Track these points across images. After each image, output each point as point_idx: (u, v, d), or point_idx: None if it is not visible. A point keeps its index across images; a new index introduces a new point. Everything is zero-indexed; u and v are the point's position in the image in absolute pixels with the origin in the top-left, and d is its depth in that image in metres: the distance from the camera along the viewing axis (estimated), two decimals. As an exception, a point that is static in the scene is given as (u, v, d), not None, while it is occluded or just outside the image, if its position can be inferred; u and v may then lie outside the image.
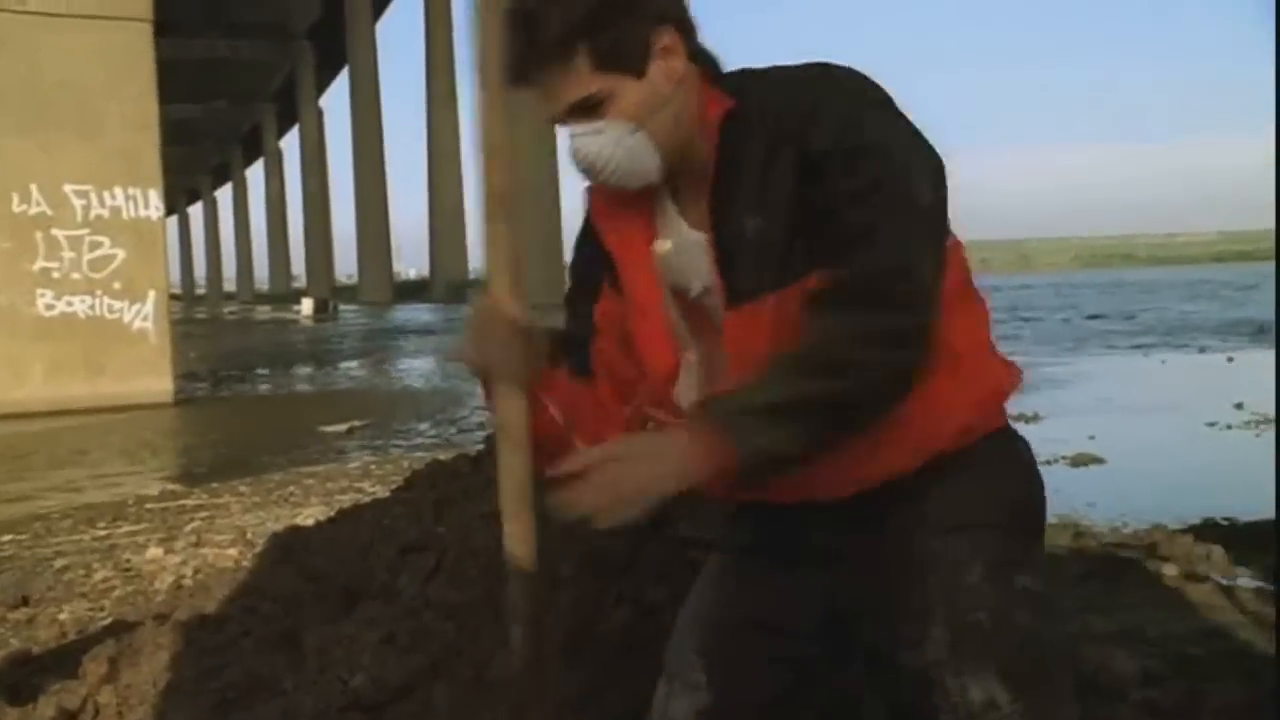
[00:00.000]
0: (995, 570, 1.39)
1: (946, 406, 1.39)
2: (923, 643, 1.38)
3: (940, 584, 1.39)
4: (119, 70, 11.21)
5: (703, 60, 1.40)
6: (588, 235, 1.54)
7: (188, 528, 5.27)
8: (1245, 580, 3.56)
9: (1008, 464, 1.47)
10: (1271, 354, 12.63)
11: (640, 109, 1.35)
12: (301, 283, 70.27)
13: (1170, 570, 3.61)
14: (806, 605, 1.49)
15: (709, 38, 1.41)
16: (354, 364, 16.86)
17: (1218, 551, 3.82)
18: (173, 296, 14.38)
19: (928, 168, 1.35)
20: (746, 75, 1.42)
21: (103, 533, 5.27)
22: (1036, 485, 1.50)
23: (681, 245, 1.44)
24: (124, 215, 11.22)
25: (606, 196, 1.48)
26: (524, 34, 1.33)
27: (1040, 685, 1.38)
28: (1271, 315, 19.62)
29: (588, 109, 1.34)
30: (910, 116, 1.38)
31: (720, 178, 1.37)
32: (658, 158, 1.37)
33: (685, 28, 1.38)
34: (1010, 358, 1.51)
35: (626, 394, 1.53)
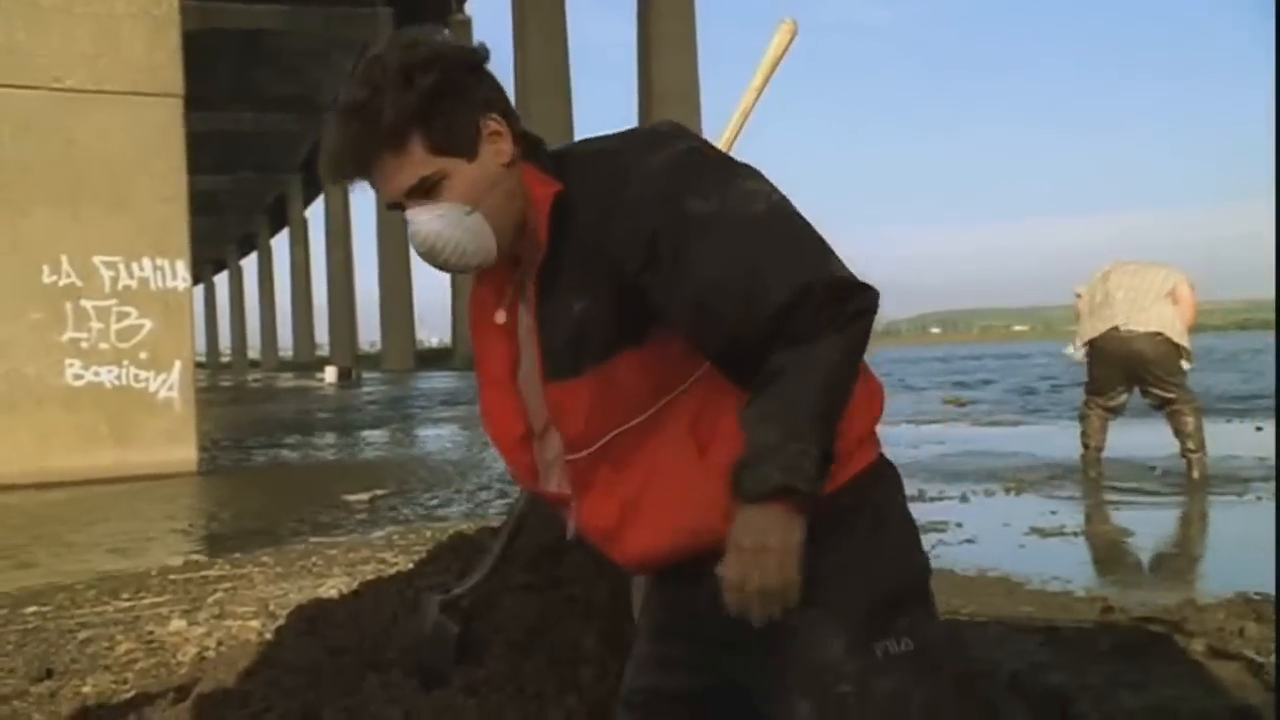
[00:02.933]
0: (856, 641, 1.42)
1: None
2: (791, 718, 1.43)
3: (802, 660, 1.43)
4: (150, 145, 11.42)
5: (528, 145, 1.50)
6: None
7: (211, 599, 5.26)
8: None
9: (863, 520, 1.48)
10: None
11: (475, 189, 1.42)
12: (325, 350, 70.71)
13: (1199, 646, 3.56)
14: (709, 680, 1.56)
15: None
16: (377, 432, 16.91)
17: (1251, 627, 3.76)
18: (198, 364, 14.49)
19: (752, 194, 1.39)
20: (567, 155, 1.50)
21: (127, 604, 5.27)
22: (904, 539, 1.52)
23: (523, 318, 1.54)
24: (152, 286, 11.35)
25: (473, 282, 1.59)
26: (358, 125, 1.39)
27: None
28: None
29: (425, 191, 1.42)
30: (712, 154, 1.44)
31: (549, 259, 1.44)
32: (493, 236, 1.44)
33: (509, 114, 1.47)
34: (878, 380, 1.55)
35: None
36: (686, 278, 1.36)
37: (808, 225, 1.39)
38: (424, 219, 1.42)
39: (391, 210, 1.46)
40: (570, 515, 1.57)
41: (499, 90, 1.48)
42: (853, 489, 1.47)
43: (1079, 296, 8.05)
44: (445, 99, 1.41)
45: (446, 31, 1.50)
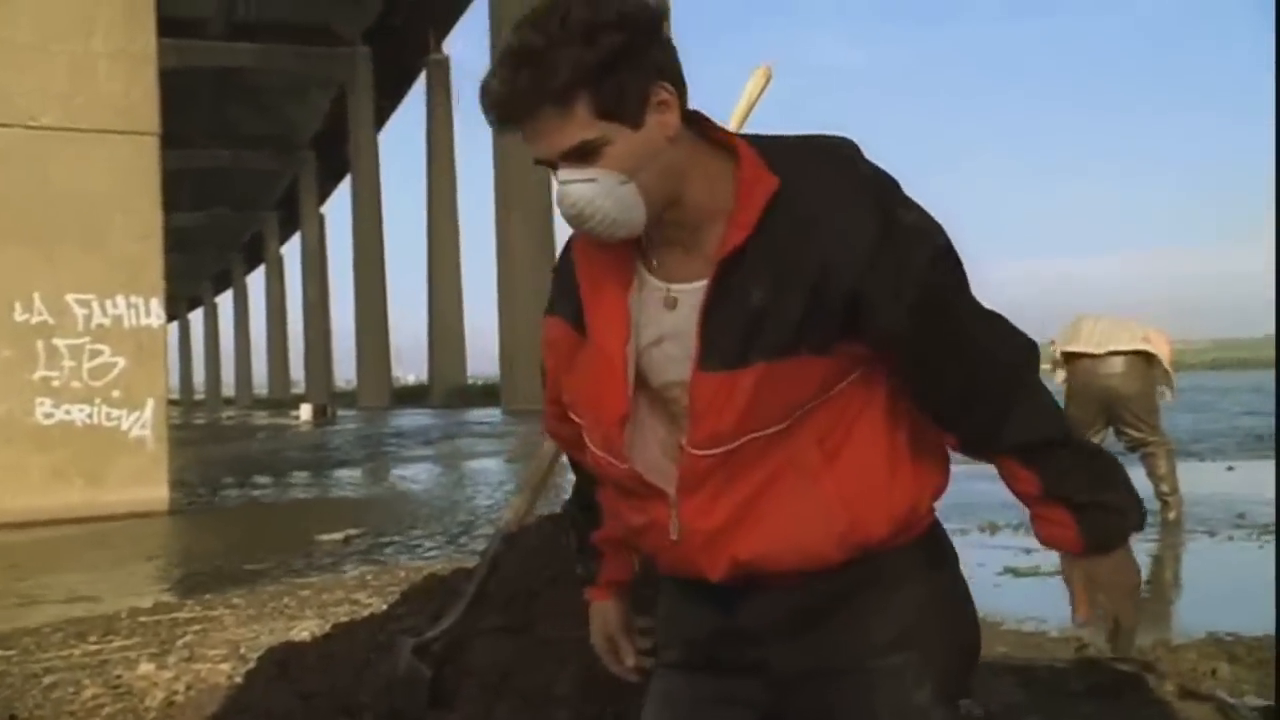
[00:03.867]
0: (943, 691, 1.46)
1: (882, 503, 1.45)
2: None
3: (888, 703, 1.44)
4: (126, 183, 11.40)
5: (693, 120, 1.44)
6: (566, 284, 1.55)
7: (180, 642, 5.20)
8: (1251, 699, 3.51)
9: (943, 575, 1.55)
10: (1272, 463, 12.62)
11: (634, 160, 1.36)
12: (301, 388, 70.40)
13: (1169, 687, 3.57)
14: (751, 716, 1.53)
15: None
16: (351, 471, 16.81)
17: (1223, 668, 3.78)
18: (171, 402, 14.39)
19: (962, 273, 1.44)
20: (783, 151, 1.43)
21: (94, 647, 5.20)
22: (969, 598, 1.58)
23: (649, 299, 1.47)
24: (125, 324, 11.29)
25: (587, 246, 1.51)
26: (528, 74, 1.32)
27: None
28: (1266, 425, 19.63)
29: (582, 155, 1.35)
30: (927, 214, 1.44)
31: (746, 245, 1.38)
32: (644, 210, 1.39)
33: (680, 86, 1.40)
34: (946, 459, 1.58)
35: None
36: (902, 294, 1.37)
37: None
38: (577, 183, 1.36)
39: (539, 164, 1.40)
40: (657, 508, 1.50)
41: (674, 56, 1.40)
42: (930, 539, 1.55)
43: (1053, 344, 8.13)
44: (622, 62, 1.33)
45: None
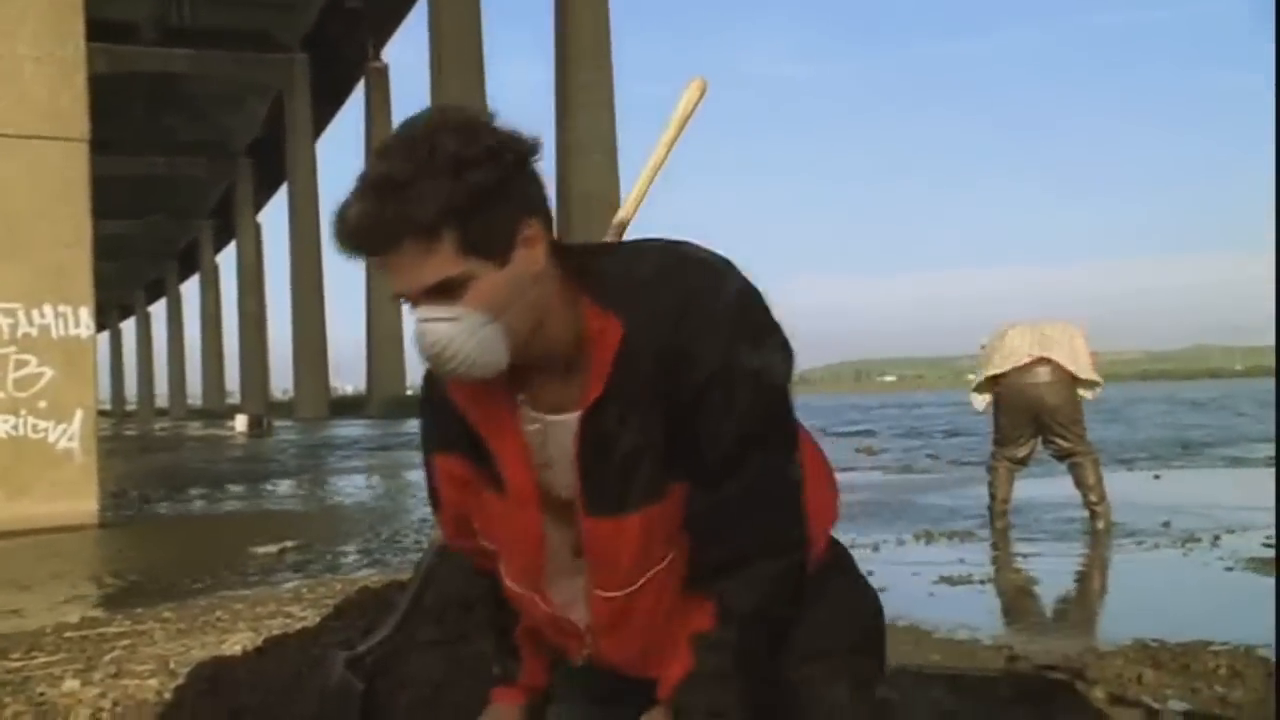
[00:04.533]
0: (859, 686, 1.51)
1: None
2: None
3: (814, 703, 1.48)
4: (52, 190, 11.18)
5: (554, 252, 1.39)
6: (447, 419, 1.49)
7: (107, 657, 5.09)
8: (1175, 703, 3.59)
9: (848, 579, 1.62)
10: (1199, 473, 12.92)
11: (499, 298, 1.31)
12: (236, 398, 69.35)
13: (1099, 693, 3.63)
14: None
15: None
16: (287, 482, 16.59)
17: (1148, 674, 3.85)
18: (102, 413, 14.12)
19: (787, 403, 1.46)
20: (630, 286, 1.39)
21: (17, 664, 5.07)
22: (873, 596, 1.64)
23: (548, 435, 1.45)
24: (53, 334, 11.06)
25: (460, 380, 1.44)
26: (392, 206, 1.26)
27: None
28: (1196, 434, 20.09)
29: (445, 292, 1.30)
30: (770, 312, 1.45)
31: (603, 399, 1.38)
32: (506, 351, 1.34)
33: (547, 219, 1.37)
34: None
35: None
36: (727, 431, 1.39)
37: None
38: (439, 322, 1.30)
39: (399, 300, 1.34)
40: (576, 641, 1.53)
41: (542, 190, 1.36)
42: (831, 549, 1.61)
43: (982, 348, 8.24)
44: (490, 198, 1.29)
45: (495, 114, 1.34)
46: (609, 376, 1.37)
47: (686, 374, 1.35)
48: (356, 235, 1.30)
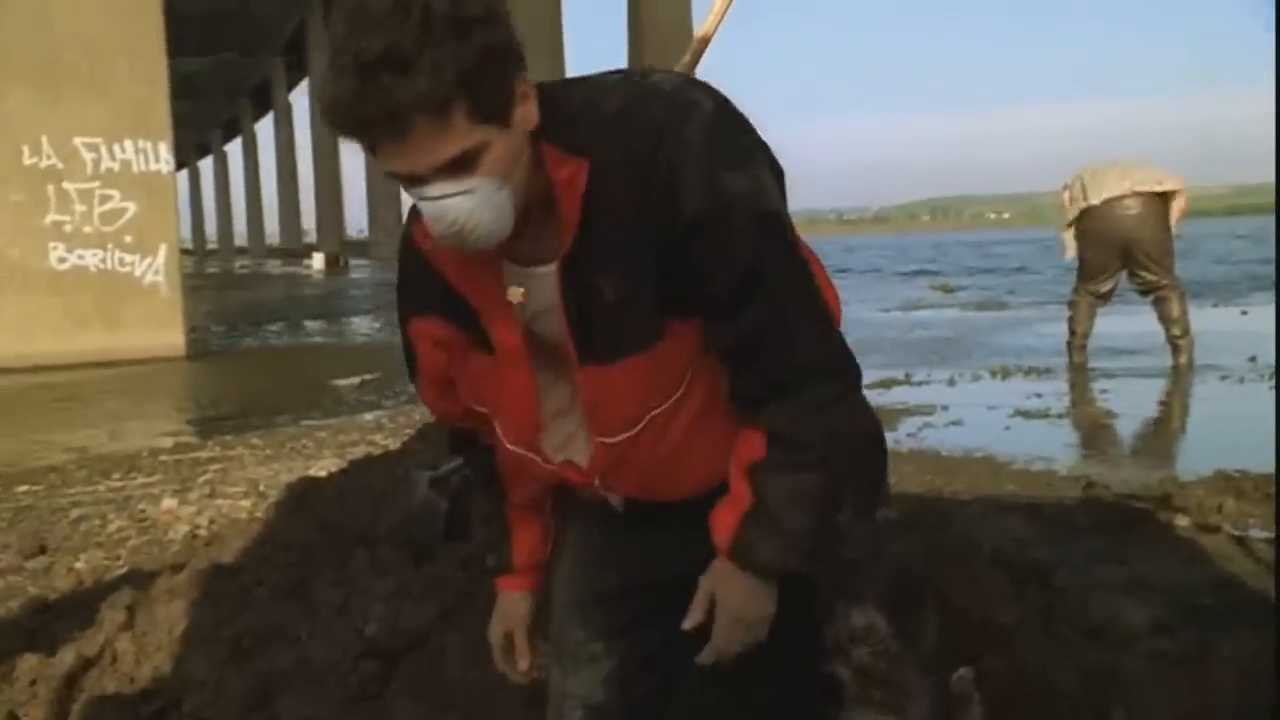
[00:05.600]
0: (860, 509, 1.44)
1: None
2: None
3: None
4: (127, 24, 11.15)
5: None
6: (427, 282, 1.43)
7: (201, 479, 5.30)
8: (1257, 531, 3.56)
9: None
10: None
11: (508, 162, 1.25)
12: (313, 238, 70.20)
13: (1182, 521, 3.61)
14: (664, 561, 1.53)
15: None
16: (365, 319, 16.88)
17: (1229, 503, 3.82)
18: (184, 251, 14.42)
19: (785, 221, 1.35)
20: (577, 118, 1.31)
21: (118, 484, 5.31)
22: (876, 421, 1.58)
23: (532, 288, 1.38)
24: (134, 169, 11.20)
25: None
26: (391, 82, 1.14)
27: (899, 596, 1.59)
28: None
29: (461, 165, 1.21)
30: (751, 130, 1.35)
31: (577, 243, 1.31)
32: (514, 214, 1.27)
33: (524, 67, 1.27)
34: None
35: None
36: (730, 263, 1.31)
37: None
38: (455, 199, 1.21)
39: (400, 181, 1.23)
40: (586, 483, 1.49)
41: (519, 39, 1.25)
42: None
43: (1066, 189, 8.01)
44: (495, 57, 1.19)
45: None
46: (579, 223, 1.30)
47: (672, 213, 1.28)
48: (361, 124, 1.17)
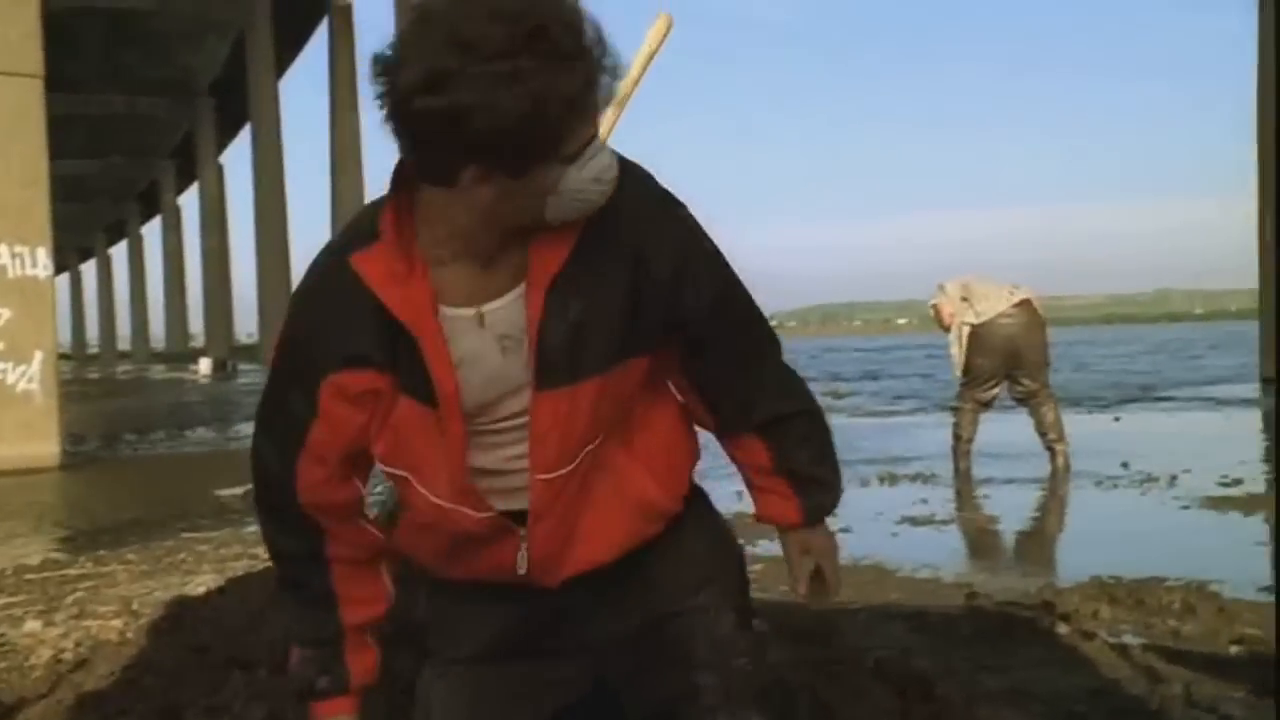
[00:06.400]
0: (741, 618, 1.59)
1: (681, 473, 1.58)
2: (698, 693, 1.51)
3: (704, 637, 1.54)
4: (6, 126, 10.95)
5: None
6: (355, 317, 1.38)
7: (69, 599, 5.08)
8: (1130, 638, 3.65)
9: (714, 519, 1.67)
10: (1156, 414, 13.09)
11: None
12: (200, 342, 68.79)
13: (1062, 628, 3.68)
14: (572, 690, 1.57)
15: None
16: (252, 425, 16.50)
17: (1105, 610, 3.92)
18: (63, 356, 13.98)
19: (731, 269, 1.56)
20: None
21: (-22, 605, 5.05)
22: (731, 531, 1.72)
23: (451, 324, 1.38)
24: (9, 274, 10.90)
25: (382, 269, 1.36)
26: (584, 74, 1.23)
27: (778, 711, 1.63)
28: (1153, 378, 20.34)
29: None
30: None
31: (568, 264, 1.36)
32: None
33: None
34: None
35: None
36: (710, 296, 1.48)
37: None
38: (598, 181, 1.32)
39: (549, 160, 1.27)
40: (503, 549, 1.47)
41: None
42: (697, 490, 1.65)
43: (933, 307, 8.34)
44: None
45: None
46: (571, 251, 1.36)
47: (652, 261, 1.40)
48: (565, 106, 1.22)
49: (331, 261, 1.42)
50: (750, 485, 1.62)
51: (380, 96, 1.24)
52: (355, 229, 1.43)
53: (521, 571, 1.46)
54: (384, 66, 1.23)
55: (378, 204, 1.40)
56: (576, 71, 1.22)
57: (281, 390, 1.48)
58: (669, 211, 1.45)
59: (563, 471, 1.41)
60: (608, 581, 1.52)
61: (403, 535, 1.55)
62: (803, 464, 1.58)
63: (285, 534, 1.56)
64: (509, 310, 1.37)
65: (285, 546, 1.57)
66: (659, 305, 1.41)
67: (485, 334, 1.38)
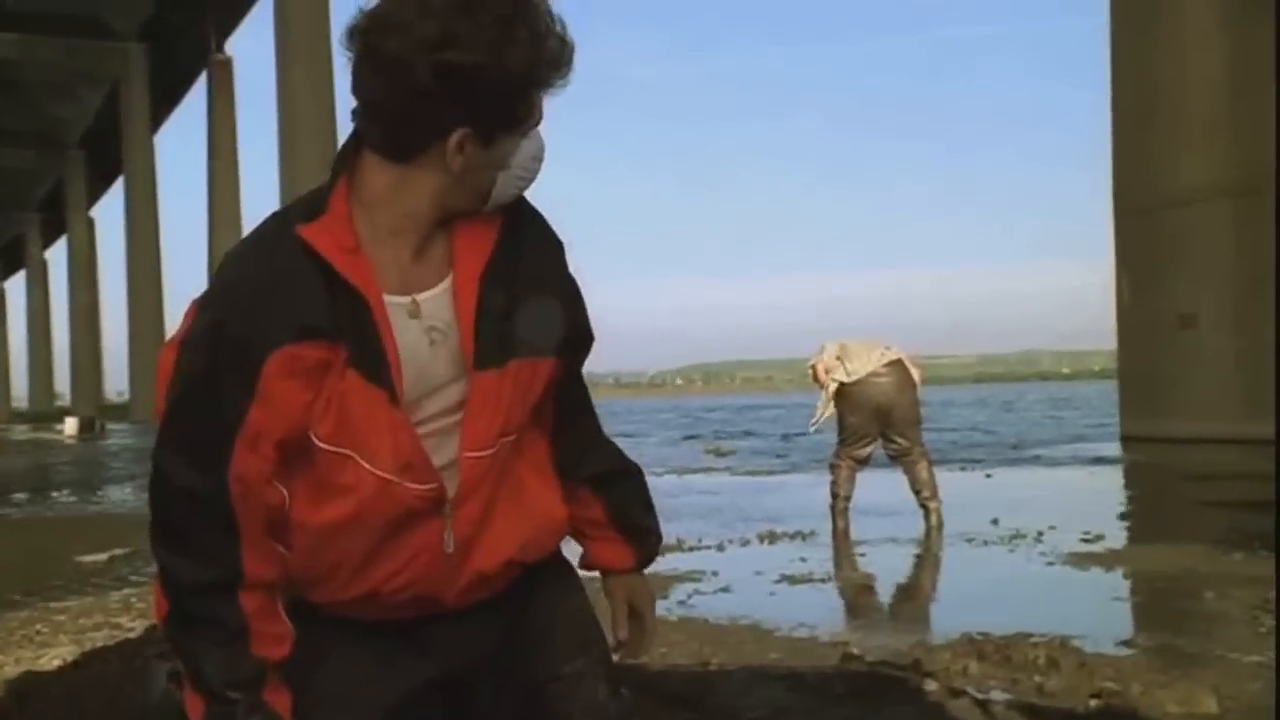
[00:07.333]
0: (612, 685, 1.63)
1: (561, 505, 1.62)
2: None
3: (580, 703, 1.58)
4: None
5: None
6: (306, 289, 1.36)
7: (-89, 676, 4.80)
8: (997, 694, 3.74)
9: (577, 576, 1.70)
10: (1024, 471, 13.51)
11: None
12: (67, 400, 66.36)
13: (931, 686, 3.76)
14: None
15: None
16: (120, 488, 15.93)
17: (973, 666, 4.00)
18: (-86, 417, 13.36)
19: None
20: None
21: None
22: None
23: (432, 298, 1.45)
24: None
25: (333, 235, 1.38)
26: (569, 44, 1.38)
27: None
28: (1024, 435, 20.99)
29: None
30: None
31: (497, 249, 1.46)
32: None
33: None
34: None
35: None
36: (581, 331, 1.61)
37: None
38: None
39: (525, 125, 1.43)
40: (431, 530, 1.45)
41: None
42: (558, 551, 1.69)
43: (811, 369, 8.53)
44: None
45: None
46: (496, 244, 1.46)
47: (549, 278, 1.52)
48: (564, 67, 1.39)
49: (278, 233, 1.40)
50: (579, 535, 1.68)
51: (377, 56, 1.32)
52: (298, 206, 1.44)
53: (449, 550, 1.46)
54: (386, 25, 1.32)
55: (323, 185, 1.45)
56: (554, 41, 1.36)
57: (201, 386, 1.37)
58: (556, 238, 1.57)
59: (486, 453, 1.46)
60: (494, 618, 1.56)
61: (306, 551, 1.45)
62: (637, 517, 1.69)
63: (197, 562, 1.40)
64: (436, 303, 1.44)
65: (196, 578, 1.40)
66: (560, 316, 1.53)
67: (415, 325, 1.42)
